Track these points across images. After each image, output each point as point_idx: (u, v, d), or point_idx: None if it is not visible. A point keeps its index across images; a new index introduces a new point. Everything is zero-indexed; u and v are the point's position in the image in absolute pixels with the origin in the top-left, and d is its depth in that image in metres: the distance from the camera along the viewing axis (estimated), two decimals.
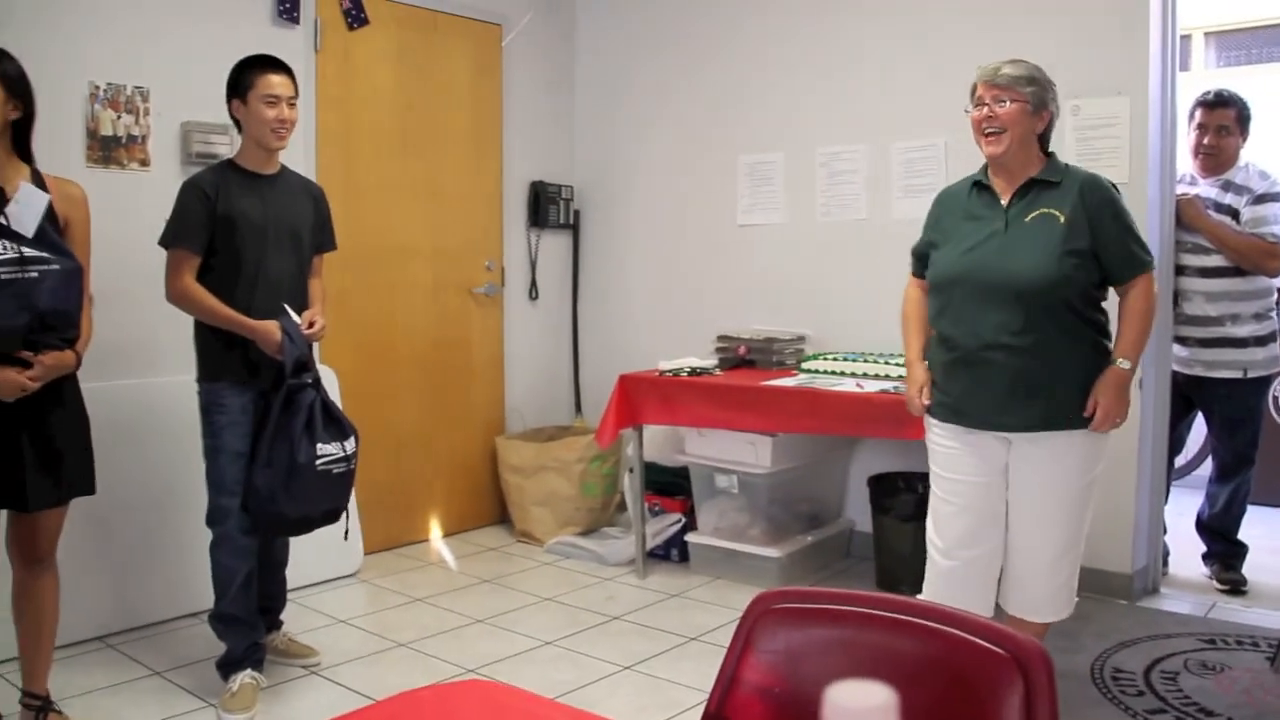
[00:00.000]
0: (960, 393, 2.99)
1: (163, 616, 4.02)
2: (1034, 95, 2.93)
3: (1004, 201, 2.97)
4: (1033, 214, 2.91)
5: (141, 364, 4.01)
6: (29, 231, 2.77)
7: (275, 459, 3.28)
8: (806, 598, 1.47)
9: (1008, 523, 3.02)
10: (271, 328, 3.32)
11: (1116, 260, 2.91)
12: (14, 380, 2.75)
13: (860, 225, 4.87)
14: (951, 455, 3.03)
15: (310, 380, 3.38)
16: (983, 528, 3.00)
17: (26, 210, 2.78)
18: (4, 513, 2.95)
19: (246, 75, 3.40)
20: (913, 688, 1.32)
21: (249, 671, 3.40)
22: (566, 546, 5.06)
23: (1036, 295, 2.85)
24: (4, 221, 2.73)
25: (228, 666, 3.41)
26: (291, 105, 3.43)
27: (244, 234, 3.36)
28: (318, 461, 3.31)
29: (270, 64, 3.43)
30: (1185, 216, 4.29)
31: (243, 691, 3.34)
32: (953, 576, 3.02)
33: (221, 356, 3.39)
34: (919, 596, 3.06)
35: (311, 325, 3.46)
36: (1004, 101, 2.92)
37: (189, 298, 3.34)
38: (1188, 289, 4.34)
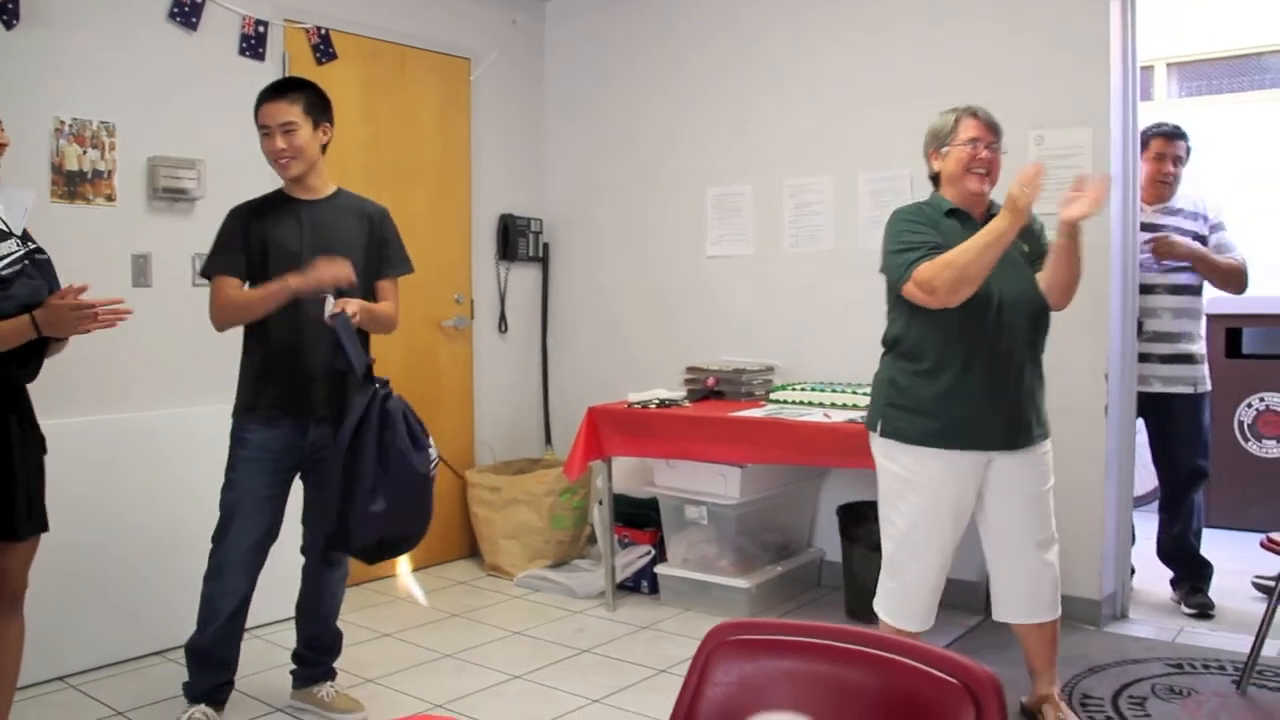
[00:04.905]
0: (971, 415, 3.05)
1: (125, 655, 3.96)
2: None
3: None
4: None
5: (109, 399, 3.96)
6: (18, 229, 2.75)
7: (396, 482, 3.09)
8: (761, 629, 1.47)
9: (1000, 534, 3.19)
10: (305, 274, 3.15)
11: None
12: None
13: (828, 256, 4.91)
14: (933, 481, 3.10)
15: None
16: (955, 544, 3.18)
17: (13, 208, 2.77)
18: None
19: (256, 111, 3.31)
20: (865, 718, 1.32)
21: (201, 707, 3.33)
22: (536, 580, 5.04)
23: (1045, 312, 3.13)
24: (3, 226, 2.71)
25: (189, 698, 3.35)
26: (288, 132, 3.25)
27: (276, 260, 3.26)
28: (432, 466, 3.19)
29: (266, 92, 3.31)
30: (1167, 255, 4.37)
31: None
32: (930, 595, 3.19)
33: (249, 391, 3.33)
34: (881, 617, 3.23)
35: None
36: (995, 147, 3.12)
37: (232, 306, 3.25)
38: (1156, 306, 4.42)
